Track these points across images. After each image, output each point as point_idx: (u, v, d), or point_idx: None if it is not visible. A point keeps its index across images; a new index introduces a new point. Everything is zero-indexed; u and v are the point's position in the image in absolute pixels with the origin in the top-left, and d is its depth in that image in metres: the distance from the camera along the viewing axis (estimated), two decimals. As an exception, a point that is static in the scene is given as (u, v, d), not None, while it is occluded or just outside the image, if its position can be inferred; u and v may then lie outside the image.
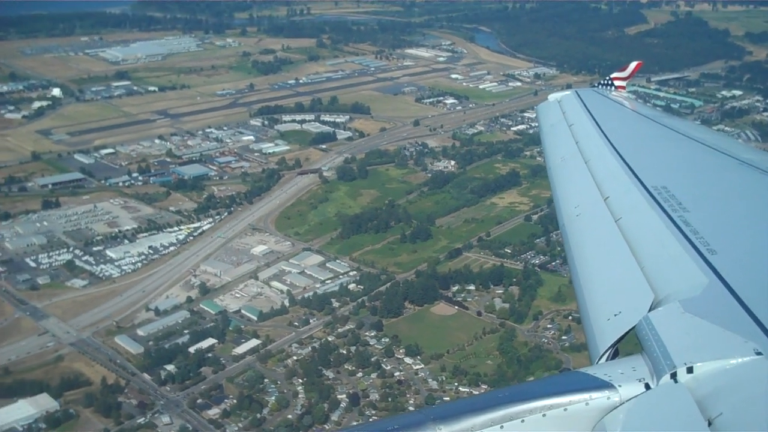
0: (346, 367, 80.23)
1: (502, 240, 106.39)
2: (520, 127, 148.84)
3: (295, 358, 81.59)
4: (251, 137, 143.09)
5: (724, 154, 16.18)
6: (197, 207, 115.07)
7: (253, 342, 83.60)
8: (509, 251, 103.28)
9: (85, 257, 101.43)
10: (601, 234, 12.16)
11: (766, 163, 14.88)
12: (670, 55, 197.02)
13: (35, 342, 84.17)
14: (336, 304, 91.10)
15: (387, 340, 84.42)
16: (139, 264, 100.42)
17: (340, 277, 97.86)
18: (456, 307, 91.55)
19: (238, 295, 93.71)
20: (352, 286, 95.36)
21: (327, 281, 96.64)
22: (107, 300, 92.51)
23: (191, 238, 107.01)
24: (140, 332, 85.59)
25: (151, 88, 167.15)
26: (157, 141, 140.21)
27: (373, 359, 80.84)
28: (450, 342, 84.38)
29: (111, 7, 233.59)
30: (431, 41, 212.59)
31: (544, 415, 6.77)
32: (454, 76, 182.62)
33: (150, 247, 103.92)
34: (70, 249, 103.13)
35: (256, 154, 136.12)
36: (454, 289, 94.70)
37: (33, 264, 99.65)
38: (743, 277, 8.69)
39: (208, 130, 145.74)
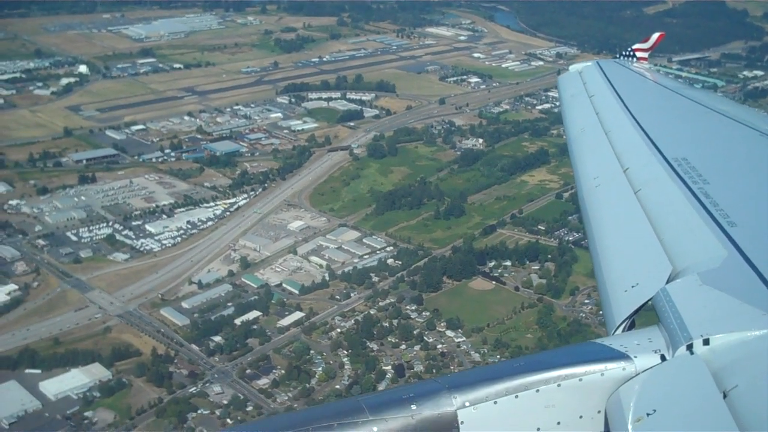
0: (389, 339, 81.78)
1: (535, 217, 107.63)
2: (545, 105, 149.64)
3: (339, 330, 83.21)
4: (279, 114, 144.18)
5: (745, 126, 16.11)
6: (232, 183, 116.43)
7: (297, 315, 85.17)
8: (543, 228, 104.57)
9: (125, 231, 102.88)
10: (620, 205, 12.21)
11: None
12: (690, 34, 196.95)
13: (83, 313, 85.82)
14: (375, 279, 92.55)
15: (428, 313, 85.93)
16: (179, 238, 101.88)
17: (378, 252, 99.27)
18: (494, 282, 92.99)
19: (278, 270, 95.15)
20: (390, 261, 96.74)
21: (365, 256, 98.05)
22: (149, 273, 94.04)
23: (228, 213, 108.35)
24: (185, 305, 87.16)
25: (177, 66, 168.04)
26: (186, 118, 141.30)
27: (415, 332, 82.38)
28: (489, 316, 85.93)
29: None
30: (451, 20, 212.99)
31: (559, 385, 6.76)
32: (476, 55, 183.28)
33: (188, 222, 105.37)
34: (110, 223, 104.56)
35: (285, 131, 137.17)
36: (491, 264, 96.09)
37: (74, 238, 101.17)
38: (762, 251, 8.66)
39: (236, 107, 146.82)
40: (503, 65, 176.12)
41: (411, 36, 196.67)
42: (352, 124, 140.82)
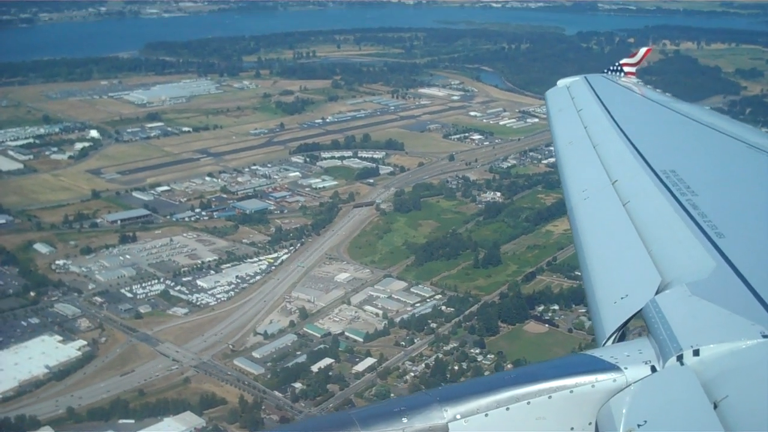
0: (462, 380, 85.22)
1: (570, 263, 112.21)
2: (551, 160, 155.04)
3: (412, 374, 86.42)
4: (297, 173, 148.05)
5: (733, 139, 16.32)
6: (270, 239, 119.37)
7: (369, 360, 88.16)
8: (579, 274, 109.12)
9: (178, 287, 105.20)
10: (609, 217, 12.27)
11: None
12: (670, 90, 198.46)
13: (159, 365, 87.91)
14: (434, 325, 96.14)
15: (492, 356, 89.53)
16: (231, 293, 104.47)
17: (428, 300, 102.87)
18: (547, 325, 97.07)
19: (336, 319, 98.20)
20: (443, 308, 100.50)
21: (416, 304, 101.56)
22: (212, 326, 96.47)
23: (273, 267, 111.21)
24: (256, 354, 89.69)
25: (185, 129, 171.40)
26: (207, 178, 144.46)
27: (485, 373, 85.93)
28: (551, 356, 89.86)
29: (118, 52, 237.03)
30: (440, 81, 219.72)
31: (550, 397, 6.75)
32: (472, 113, 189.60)
33: (237, 277, 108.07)
34: (161, 280, 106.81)
35: (306, 189, 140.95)
36: (540, 309, 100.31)
37: (129, 294, 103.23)
38: (751, 261, 8.71)
39: (253, 167, 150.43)
40: (500, 122, 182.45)
41: (406, 96, 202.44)
42: (371, 180, 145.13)
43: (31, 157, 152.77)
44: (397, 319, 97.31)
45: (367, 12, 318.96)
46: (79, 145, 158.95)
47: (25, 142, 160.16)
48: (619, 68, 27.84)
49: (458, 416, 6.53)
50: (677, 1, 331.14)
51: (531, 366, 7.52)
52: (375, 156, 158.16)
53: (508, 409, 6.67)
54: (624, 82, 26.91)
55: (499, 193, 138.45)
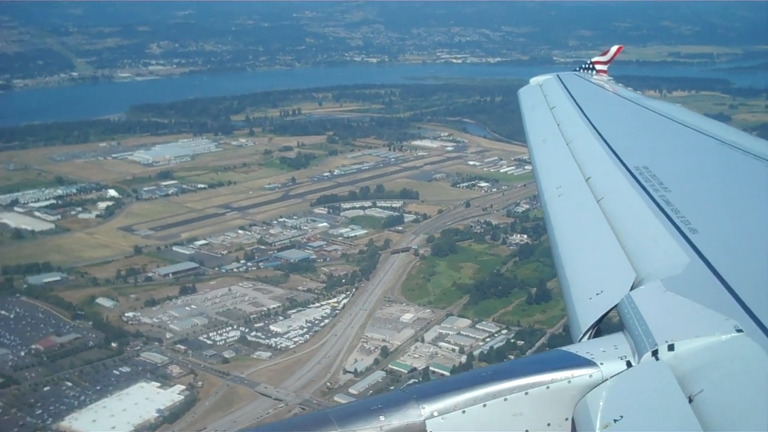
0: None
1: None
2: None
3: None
4: (325, 224, 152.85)
5: (705, 135, 16.52)
6: (325, 285, 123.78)
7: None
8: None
9: (253, 333, 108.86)
10: (583, 214, 12.29)
11: (747, 144, 15.04)
12: None
13: (263, 404, 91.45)
14: (511, 356, 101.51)
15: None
16: (306, 336, 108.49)
17: (495, 335, 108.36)
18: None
19: (415, 356, 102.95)
20: (514, 341, 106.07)
21: (486, 339, 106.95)
22: (300, 367, 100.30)
23: (337, 311, 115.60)
24: (352, 390, 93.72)
25: (201, 186, 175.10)
26: (240, 231, 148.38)
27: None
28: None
29: (106, 115, 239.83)
30: (429, 133, 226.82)
31: (526, 393, 6.78)
32: (471, 162, 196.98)
33: (307, 321, 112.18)
34: (234, 327, 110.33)
35: (339, 238, 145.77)
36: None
37: (209, 341, 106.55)
38: (724, 256, 8.76)
39: (281, 220, 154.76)
40: (501, 170, 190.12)
41: (402, 149, 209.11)
42: (399, 228, 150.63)
43: (59, 217, 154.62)
44: (476, 353, 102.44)
45: (333, 71, 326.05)
46: (102, 204, 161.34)
47: (47, 203, 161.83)
48: (590, 66, 28.73)
49: (435, 413, 6.54)
50: (627, 53, 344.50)
51: (507, 362, 8.25)
52: (394, 205, 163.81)
53: (485, 405, 6.66)
54: (596, 80, 27.72)
55: (525, 236, 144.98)
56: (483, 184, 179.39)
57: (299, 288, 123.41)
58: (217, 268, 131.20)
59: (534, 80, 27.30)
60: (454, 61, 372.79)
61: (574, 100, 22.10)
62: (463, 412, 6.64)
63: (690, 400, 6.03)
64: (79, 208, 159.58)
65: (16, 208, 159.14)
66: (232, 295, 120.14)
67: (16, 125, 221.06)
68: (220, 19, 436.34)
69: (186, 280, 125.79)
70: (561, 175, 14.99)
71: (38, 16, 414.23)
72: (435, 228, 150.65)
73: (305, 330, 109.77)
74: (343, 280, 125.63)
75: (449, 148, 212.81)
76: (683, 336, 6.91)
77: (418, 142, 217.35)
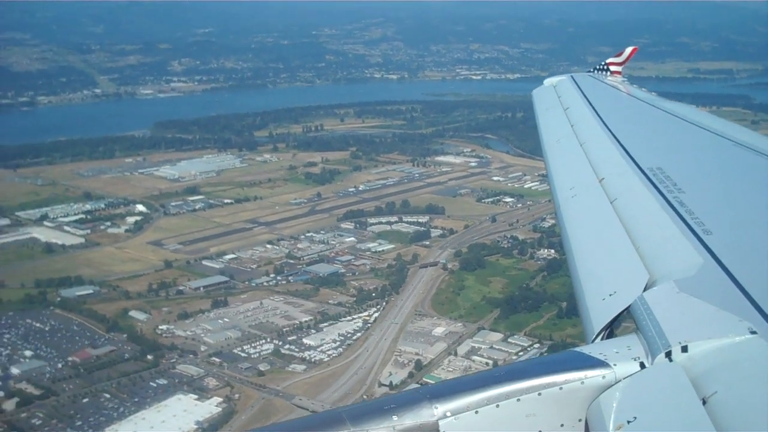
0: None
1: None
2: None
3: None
4: (352, 238, 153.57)
5: (719, 136, 16.47)
6: (355, 299, 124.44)
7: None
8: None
9: (287, 346, 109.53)
10: (596, 215, 12.33)
11: (762, 145, 14.97)
12: None
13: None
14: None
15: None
16: (339, 349, 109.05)
17: (528, 349, 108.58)
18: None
19: (449, 369, 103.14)
20: (547, 355, 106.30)
21: (519, 353, 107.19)
22: (336, 379, 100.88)
23: (368, 325, 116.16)
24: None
25: (227, 201, 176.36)
26: (268, 246, 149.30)
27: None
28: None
29: (131, 131, 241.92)
30: (452, 149, 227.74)
31: (539, 394, 6.76)
32: (495, 178, 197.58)
33: (339, 334, 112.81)
34: (267, 340, 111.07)
35: (367, 252, 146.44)
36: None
37: (243, 354, 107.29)
38: (738, 257, 8.75)
39: (308, 234, 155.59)
40: (525, 186, 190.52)
41: (426, 164, 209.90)
42: (426, 242, 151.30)
43: (89, 231, 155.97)
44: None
45: (353, 87, 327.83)
46: (130, 219, 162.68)
47: (76, 217, 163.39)
48: (605, 67, 28.68)
49: (448, 413, 6.52)
50: (646, 69, 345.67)
51: (520, 363, 7.93)
52: (420, 220, 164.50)
53: (498, 406, 6.65)
54: (610, 81, 27.71)
55: (552, 250, 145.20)
56: (508, 199, 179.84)
57: (330, 302, 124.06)
58: (247, 282, 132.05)
59: (548, 81, 27.47)
60: (474, 77, 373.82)
61: (588, 101, 22.19)
62: (476, 412, 6.62)
63: (704, 402, 5.96)
64: (108, 223, 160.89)
65: (45, 223, 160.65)
66: (263, 309, 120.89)
67: (43, 141, 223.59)
68: (240, 37, 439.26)
69: (217, 293, 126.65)
70: (574, 176, 15.06)
71: (60, 34, 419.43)
72: (462, 243, 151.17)
73: (338, 343, 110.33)
74: (373, 294, 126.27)
75: (473, 164, 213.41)
76: (697, 337, 6.84)
77: (441, 158, 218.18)
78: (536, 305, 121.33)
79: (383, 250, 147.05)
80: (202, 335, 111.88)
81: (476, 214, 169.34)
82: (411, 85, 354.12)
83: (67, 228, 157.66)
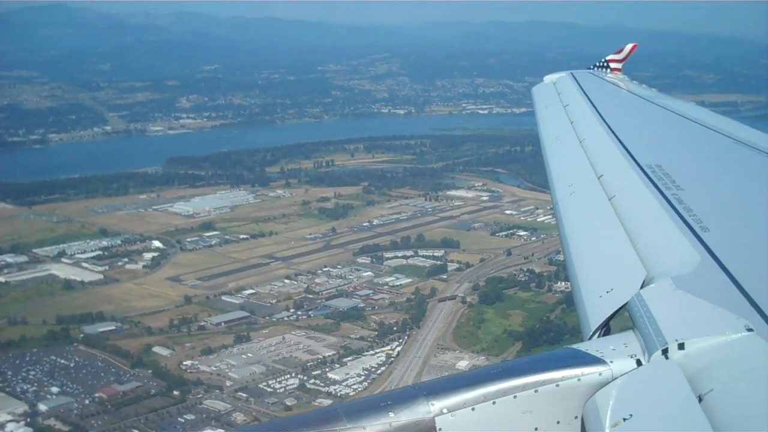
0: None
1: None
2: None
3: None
4: (370, 273, 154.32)
5: (719, 134, 16.46)
6: (377, 333, 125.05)
7: None
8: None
9: (312, 381, 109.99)
10: (594, 212, 12.30)
11: (762, 143, 14.94)
12: None
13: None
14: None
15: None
16: (365, 383, 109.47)
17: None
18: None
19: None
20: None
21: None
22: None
23: (392, 359, 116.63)
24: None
25: (243, 236, 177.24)
26: (286, 281, 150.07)
27: None
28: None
29: (143, 168, 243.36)
30: (463, 183, 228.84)
31: (536, 391, 6.75)
32: (507, 212, 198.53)
33: (364, 369, 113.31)
34: (292, 375, 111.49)
35: (385, 287, 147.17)
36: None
37: (269, 389, 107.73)
38: (735, 255, 8.72)
39: (325, 269, 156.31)
40: (538, 219, 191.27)
41: (438, 199, 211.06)
42: (443, 276, 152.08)
43: (107, 267, 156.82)
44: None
45: (361, 122, 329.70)
46: (147, 255, 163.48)
47: (93, 254, 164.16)
48: (605, 64, 28.97)
49: (445, 410, 6.52)
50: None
51: (517, 360, 7.33)
52: (435, 254, 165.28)
53: (494, 402, 6.64)
54: (610, 78, 27.84)
55: (569, 283, 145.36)
56: (522, 232, 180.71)
57: (351, 336, 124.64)
58: (267, 317, 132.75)
59: (548, 78, 27.47)
60: (480, 111, 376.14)
61: (588, 98, 22.11)
62: (473, 409, 6.60)
63: (700, 399, 5.92)
64: (126, 259, 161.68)
65: (63, 259, 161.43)
66: (286, 344, 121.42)
67: (56, 178, 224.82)
68: (246, 74, 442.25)
69: (239, 328, 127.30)
70: (573, 173, 15.02)
71: (67, 71, 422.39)
72: (479, 276, 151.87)
73: (363, 377, 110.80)
74: (394, 328, 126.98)
75: (485, 198, 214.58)
76: (694, 335, 6.81)
77: (453, 192, 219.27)
78: (557, 338, 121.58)
79: (401, 284, 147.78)
80: (227, 370, 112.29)
81: (491, 248, 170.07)
82: (418, 119, 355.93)
83: (85, 264, 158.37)
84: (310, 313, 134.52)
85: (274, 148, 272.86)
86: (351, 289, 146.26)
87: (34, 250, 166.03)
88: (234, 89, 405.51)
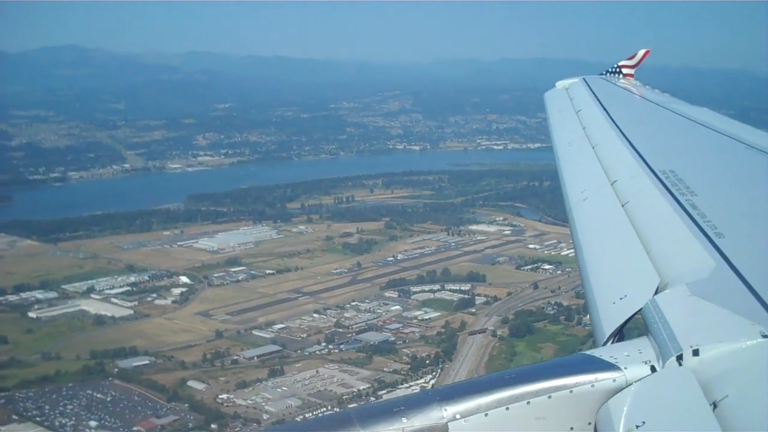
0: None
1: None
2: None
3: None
4: (398, 307, 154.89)
5: (732, 139, 16.27)
6: (410, 366, 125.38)
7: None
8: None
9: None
10: (608, 218, 12.26)
11: None
12: None
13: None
14: None
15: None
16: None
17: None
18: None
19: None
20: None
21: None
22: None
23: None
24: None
25: (269, 272, 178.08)
26: (315, 315, 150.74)
27: None
28: None
29: (164, 205, 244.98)
30: (485, 218, 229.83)
31: (549, 397, 6.75)
32: (531, 246, 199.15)
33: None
34: (328, 408, 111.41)
35: (414, 321, 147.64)
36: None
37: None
38: (750, 261, 8.62)
39: (353, 303, 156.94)
40: (562, 253, 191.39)
41: (460, 233, 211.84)
42: (472, 310, 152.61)
43: (136, 303, 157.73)
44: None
45: (377, 159, 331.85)
46: (176, 291, 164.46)
47: (121, 290, 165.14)
48: (617, 70, 28.80)
49: (458, 416, 6.53)
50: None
51: (530, 366, 7.72)
52: (462, 288, 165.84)
53: (507, 408, 6.64)
54: (623, 84, 27.92)
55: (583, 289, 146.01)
56: (546, 266, 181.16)
57: (384, 369, 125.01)
58: (299, 351, 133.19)
59: (560, 84, 27.62)
60: (495, 147, 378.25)
61: (601, 104, 22.07)
62: (486, 415, 6.61)
63: (714, 406, 5.86)
64: (154, 295, 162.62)
65: (92, 295, 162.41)
66: (320, 377, 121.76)
67: (79, 215, 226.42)
68: (260, 111, 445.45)
69: (271, 362, 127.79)
70: (586, 179, 14.95)
71: (83, 111, 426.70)
72: (507, 310, 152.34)
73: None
74: (427, 361, 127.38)
75: (506, 232, 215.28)
76: (708, 341, 6.74)
77: (474, 227, 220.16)
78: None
79: (430, 318, 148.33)
80: (263, 404, 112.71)
81: (517, 282, 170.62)
82: (434, 155, 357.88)
83: (114, 300, 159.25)
84: (341, 346, 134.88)
85: (293, 184, 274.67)
86: (380, 323, 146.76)
87: (63, 286, 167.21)
88: (249, 127, 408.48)
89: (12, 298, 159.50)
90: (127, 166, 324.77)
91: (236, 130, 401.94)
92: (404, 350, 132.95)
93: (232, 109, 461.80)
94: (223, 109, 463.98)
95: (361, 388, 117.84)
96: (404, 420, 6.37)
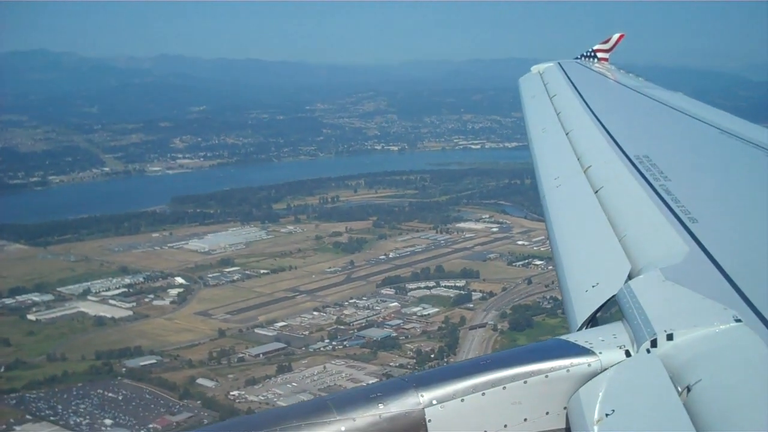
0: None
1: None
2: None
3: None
4: (396, 304, 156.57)
5: (706, 124, 16.33)
6: (416, 360, 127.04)
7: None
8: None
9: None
10: (581, 204, 12.12)
11: (749, 133, 14.87)
12: None
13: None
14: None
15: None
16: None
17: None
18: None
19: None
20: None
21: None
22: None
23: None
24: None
25: (263, 271, 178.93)
26: (315, 313, 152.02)
27: None
28: None
29: (149, 207, 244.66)
30: (471, 216, 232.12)
31: (525, 382, 6.67)
32: (520, 242, 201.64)
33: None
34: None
35: (413, 317, 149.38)
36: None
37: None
38: (724, 246, 8.67)
39: (351, 301, 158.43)
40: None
41: (449, 231, 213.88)
42: (470, 305, 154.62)
43: (134, 304, 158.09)
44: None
45: (357, 159, 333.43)
46: (172, 291, 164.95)
47: (118, 291, 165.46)
48: (592, 54, 28.71)
49: (434, 401, 6.50)
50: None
51: (506, 351, 7.79)
52: (457, 284, 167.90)
53: (483, 394, 6.60)
54: (598, 68, 27.74)
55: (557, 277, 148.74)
56: (538, 262, 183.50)
57: (391, 364, 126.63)
58: (304, 348, 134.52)
59: (535, 68, 27.19)
60: (473, 146, 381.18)
61: (575, 88, 21.93)
62: (462, 400, 6.56)
63: (688, 389, 5.89)
64: (152, 296, 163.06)
65: (89, 297, 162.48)
66: (328, 373, 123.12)
67: (66, 219, 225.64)
68: (236, 114, 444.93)
69: (278, 359, 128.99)
70: (560, 166, 14.75)
71: (56, 115, 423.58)
72: (504, 304, 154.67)
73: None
74: (432, 355, 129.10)
75: (494, 229, 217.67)
76: (682, 326, 6.74)
77: (462, 225, 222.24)
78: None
79: (429, 314, 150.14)
80: (275, 399, 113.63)
81: (510, 277, 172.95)
82: (412, 155, 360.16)
83: (112, 301, 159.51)
84: (345, 343, 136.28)
85: (276, 185, 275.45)
86: (381, 319, 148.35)
87: (58, 289, 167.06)
88: (225, 129, 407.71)
89: (8, 301, 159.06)
90: (106, 169, 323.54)
91: (213, 132, 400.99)
92: (407, 345, 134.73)
93: (207, 112, 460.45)
94: (198, 112, 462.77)
95: (371, 381, 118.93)
96: (381, 406, 6.33)
